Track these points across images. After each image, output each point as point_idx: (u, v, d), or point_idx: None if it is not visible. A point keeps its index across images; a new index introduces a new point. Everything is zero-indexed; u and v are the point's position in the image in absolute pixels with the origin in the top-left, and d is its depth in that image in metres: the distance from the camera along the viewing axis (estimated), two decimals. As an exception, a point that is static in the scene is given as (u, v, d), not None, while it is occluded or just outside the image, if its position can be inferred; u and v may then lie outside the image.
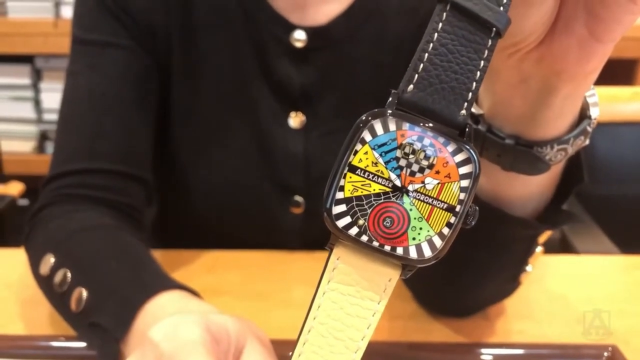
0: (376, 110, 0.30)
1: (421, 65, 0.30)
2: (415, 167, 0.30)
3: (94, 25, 0.72)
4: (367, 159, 0.30)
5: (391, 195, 0.30)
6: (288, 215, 0.77)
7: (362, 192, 0.30)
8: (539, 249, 0.56)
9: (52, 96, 2.15)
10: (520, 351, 0.60)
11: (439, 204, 0.30)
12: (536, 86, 0.43)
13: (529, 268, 0.58)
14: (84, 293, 0.56)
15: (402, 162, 0.30)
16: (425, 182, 0.30)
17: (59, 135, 0.72)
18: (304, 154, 0.75)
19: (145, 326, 0.51)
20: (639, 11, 0.36)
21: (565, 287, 0.72)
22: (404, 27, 0.73)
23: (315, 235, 0.77)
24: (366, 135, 0.30)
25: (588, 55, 0.39)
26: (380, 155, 0.30)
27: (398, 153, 0.30)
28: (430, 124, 0.30)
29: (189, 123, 0.76)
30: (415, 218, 0.30)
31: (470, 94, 0.30)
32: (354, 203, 0.30)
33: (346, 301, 0.32)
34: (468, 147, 0.30)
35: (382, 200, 0.30)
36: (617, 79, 1.16)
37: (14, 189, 1.48)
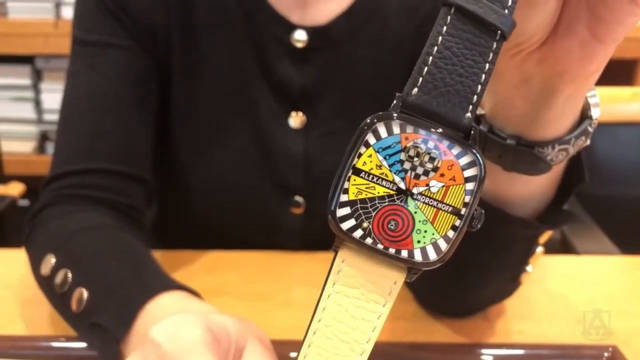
0: (380, 113, 0.30)
1: (425, 69, 0.30)
2: (419, 170, 0.30)
3: (94, 26, 0.72)
4: (371, 161, 0.30)
5: (395, 198, 0.30)
6: (288, 216, 0.77)
7: (366, 194, 0.30)
8: (539, 249, 0.56)
9: (53, 97, 2.15)
10: (520, 351, 0.60)
11: (444, 206, 0.30)
12: (538, 87, 0.43)
13: (529, 268, 0.58)
14: (85, 293, 0.56)
15: (407, 165, 0.30)
16: (430, 185, 0.30)
17: (59, 135, 0.72)
18: (304, 154, 0.75)
19: (145, 326, 0.51)
20: None
21: (565, 287, 0.72)
22: (404, 27, 0.73)
23: (315, 236, 0.77)
24: (370, 138, 0.30)
25: (590, 57, 0.40)
26: (385, 158, 0.30)
27: (402, 156, 0.30)
28: (435, 127, 0.30)
29: (189, 123, 0.76)
30: (420, 221, 0.30)
31: (475, 96, 0.30)
32: (359, 206, 0.30)
33: (351, 304, 0.32)
34: (473, 150, 0.30)
35: (386, 203, 0.30)
36: (617, 80, 1.16)
37: (15, 189, 1.48)
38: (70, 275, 0.58)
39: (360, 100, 0.75)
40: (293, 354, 0.55)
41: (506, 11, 0.31)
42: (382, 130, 0.30)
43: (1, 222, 1.40)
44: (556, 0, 0.37)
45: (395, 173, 0.30)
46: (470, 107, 0.30)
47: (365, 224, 0.31)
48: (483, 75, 0.30)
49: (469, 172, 0.30)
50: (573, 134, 0.46)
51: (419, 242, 0.31)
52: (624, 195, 1.23)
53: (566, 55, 0.40)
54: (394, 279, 0.32)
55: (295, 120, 0.75)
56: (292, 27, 0.72)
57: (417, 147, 0.30)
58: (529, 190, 0.51)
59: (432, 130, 0.30)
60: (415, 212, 0.30)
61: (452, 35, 0.30)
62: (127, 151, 0.71)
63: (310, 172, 0.76)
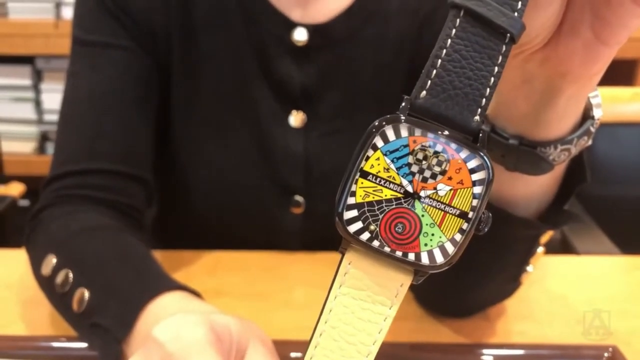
0: (388, 116, 0.30)
1: (434, 72, 0.30)
2: (427, 173, 0.30)
3: (94, 26, 0.72)
4: (378, 164, 0.30)
5: (403, 201, 0.30)
6: (288, 216, 0.78)
7: (373, 197, 0.30)
8: (540, 249, 0.56)
9: (53, 97, 2.15)
10: (520, 352, 0.60)
11: (451, 210, 0.30)
12: (540, 87, 0.43)
13: (529, 268, 0.58)
14: (86, 294, 0.56)
15: (414, 168, 0.30)
16: (438, 189, 0.30)
17: (59, 136, 0.72)
18: (305, 154, 0.75)
19: (147, 327, 0.51)
20: None
21: (565, 287, 0.72)
22: (405, 27, 0.73)
23: (315, 236, 0.77)
24: (378, 141, 0.30)
25: (593, 58, 0.40)
26: (392, 161, 0.30)
27: (410, 159, 0.30)
28: (443, 130, 0.30)
29: (189, 123, 0.76)
30: (427, 224, 0.30)
31: (484, 100, 0.30)
32: (366, 208, 0.31)
33: (358, 306, 0.32)
34: (481, 153, 0.30)
35: (393, 206, 0.30)
36: (618, 80, 1.16)
37: (15, 189, 1.48)
38: (71, 275, 0.58)
39: (360, 100, 0.75)
40: (294, 354, 0.55)
41: (515, 14, 0.31)
42: (389, 133, 0.30)
43: (1, 222, 1.40)
44: (560, 1, 0.37)
45: (402, 176, 0.30)
46: (479, 110, 0.30)
47: (372, 227, 0.31)
48: (492, 79, 0.30)
49: (476, 176, 0.30)
50: (575, 134, 0.47)
51: (426, 245, 0.31)
52: (624, 195, 1.24)
53: (569, 56, 0.40)
54: (401, 282, 0.32)
55: (296, 119, 0.75)
56: (293, 26, 0.72)
57: (425, 150, 0.30)
58: (531, 190, 0.52)
59: (440, 133, 0.30)
60: (423, 216, 0.30)
61: (461, 38, 0.30)
62: (127, 151, 0.71)
63: (311, 171, 0.76)
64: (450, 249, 0.31)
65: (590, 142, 0.48)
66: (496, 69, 0.30)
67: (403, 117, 0.30)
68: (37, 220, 0.67)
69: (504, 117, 0.47)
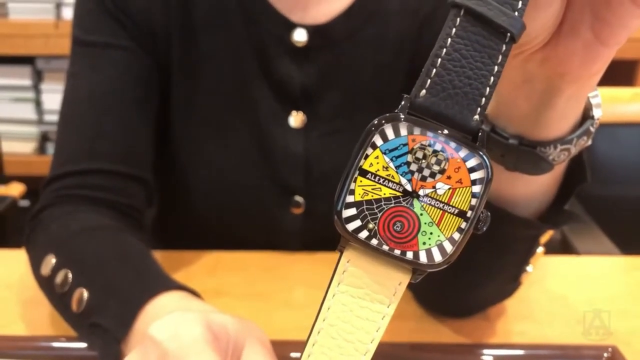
0: (388, 114, 0.30)
1: (434, 71, 0.30)
2: (426, 172, 0.30)
3: (94, 27, 0.72)
4: (377, 163, 0.30)
5: (402, 199, 0.30)
6: (288, 216, 0.78)
7: (372, 196, 0.31)
8: (540, 249, 0.56)
9: (53, 97, 2.15)
10: (520, 352, 0.60)
11: (450, 209, 0.30)
12: (540, 87, 0.43)
13: (529, 268, 0.58)
14: (85, 294, 0.56)
15: (413, 167, 0.30)
16: (437, 187, 0.30)
17: (59, 136, 0.72)
18: (305, 154, 0.75)
19: (146, 327, 0.50)
20: None
21: (565, 288, 0.72)
22: (405, 28, 0.73)
23: (315, 236, 0.77)
24: (377, 140, 0.30)
25: (593, 58, 0.40)
26: (391, 159, 0.30)
27: (409, 158, 0.30)
28: (442, 129, 0.30)
29: (189, 123, 0.76)
30: (425, 223, 0.30)
31: (484, 99, 0.30)
32: (364, 207, 0.31)
33: (356, 304, 0.32)
34: (480, 152, 0.30)
35: (392, 205, 0.30)
36: (618, 80, 1.16)
37: (15, 190, 1.48)
38: (70, 275, 0.58)
39: (360, 100, 0.75)
40: (294, 354, 0.55)
41: (516, 13, 0.31)
42: (389, 131, 0.30)
43: (2, 222, 1.40)
44: (560, 2, 0.37)
45: (401, 175, 0.30)
46: (479, 109, 0.30)
47: (370, 225, 0.31)
48: (492, 78, 0.30)
49: (475, 175, 0.30)
50: (575, 134, 0.47)
51: (424, 243, 0.31)
52: (624, 196, 1.24)
53: (569, 56, 0.40)
54: (399, 280, 0.32)
55: (296, 119, 0.75)
56: (292, 26, 0.72)
57: (424, 149, 0.30)
58: (531, 190, 0.52)
59: (440, 132, 0.30)
60: (421, 214, 0.30)
61: (461, 37, 0.30)
62: (127, 151, 0.71)
63: (311, 172, 0.76)
64: (448, 247, 0.31)
65: (590, 142, 0.48)
66: (496, 68, 0.30)
67: (402, 116, 0.30)
68: (37, 220, 0.67)
69: (504, 117, 0.47)
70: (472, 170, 0.30)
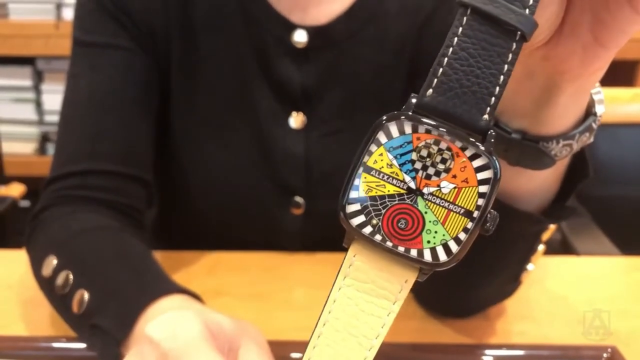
0: (394, 112, 0.30)
1: (440, 70, 0.30)
2: (431, 171, 0.30)
3: (94, 27, 0.72)
4: (382, 160, 0.30)
5: (406, 197, 0.30)
6: (288, 216, 0.78)
7: (376, 192, 0.31)
8: (541, 246, 0.56)
9: (54, 98, 2.15)
10: (520, 352, 0.60)
11: (455, 208, 0.30)
12: (541, 83, 0.43)
13: (530, 267, 0.58)
14: (86, 295, 0.56)
15: (418, 165, 0.30)
16: (441, 186, 0.30)
17: (60, 136, 0.72)
18: (305, 155, 0.75)
19: (146, 328, 0.51)
20: None
21: (565, 288, 0.72)
22: (405, 28, 0.73)
23: (315, 236, 0.77)
24: (381, 137, 0.30)
25: (592, 59, 0.40)
26: (395, 157, 0.30)
27: (414, 156, 0.30)
28: (448, 128, 0.30)
29: (189, 123, 0.76)
30: (430, 221, 0.30)
31: (493, 98, 0.30)
32: (369, 203, 0.31)
33: (361, 298, 0.32)
34: (487, 152, 0.30)
35: (396, 202, 0.31)
36: (618, 80, 1.16)
37: (15, 190, 1.49)
38: (71, 276, 0.58)
39: (361, 100, 0.75)
40: (294, 355, 0.55)
41: (527, 11, 0.30)
42: (393, 129, 0.30)
43: (2, 223, 1.41)
44: (558, 3, 0.37)
45: (405, 172, 0.30)
46: (488, 109, 0.30)
47: (374, 221, 0.31)
48: (501, 77, 0.30)
49: (482, 175, 0.30)
50: (577, 130, 0.47)
51: (428, 242, 0.31)
52: (624, 196, 1.24)
53: (568, 56, 0.40)
54: (405, 278, 0.32)
55: (296, 120, 0.75)
56: (293, 27, 0.72)
57: (428, 147, 0.30)
58: (533, 185, 0.52)
59: (445, 130, 0.30)
60: (426, 212, 0.30)
61: (468, 37, 0.30)
62: (128, 152, 0.71)
63: (311, 172, 0.76)
64: (453, 247, 0.31)
65: (592, 139, 0.48)
66: (506, 67, 0.30)
67: (408, 114, 0.30)
68: (37, 220, 0.67)
69: (506, 112, 0.47)
70: (478, 169, 0.30)
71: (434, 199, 0.30)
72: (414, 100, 0.30)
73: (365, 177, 0.31)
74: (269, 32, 0.72)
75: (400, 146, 0.30)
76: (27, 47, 2.07)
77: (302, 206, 0.77)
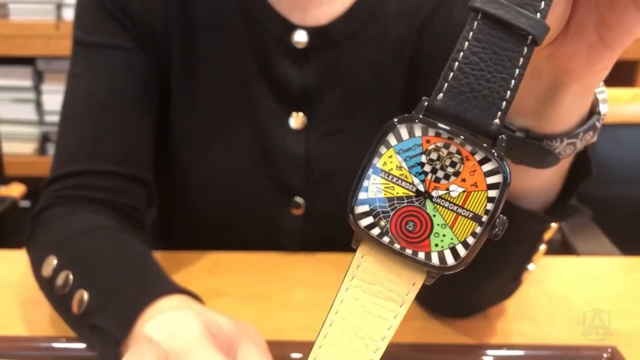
0: (405, 115, 0.30)
1: (451, 74, 0.30)
2: (440, 174, 0.30)
3: (94, 27, 0.72)
4: (391, 162, 0.31)
5: (414, 199, 0.31)
6: (288, 217, 0.78)
7: (385, 194, 0.31)
8: (542, 246, 0.56)
9: (54, 98, 2.15)
10: (520, 352, 0.60)
11: (464, 212, 0.30)
12: (546, 81, 0.44)
13: (531, 267, 0.58)
14: (86, 295, 0.56)
15: (427, 168, 0.30)
16: (450, 189, 0.30)
17: (60, 136, 0.72)
18: (305, 155, 0.75)
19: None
20: None
21: (565, 288, 0.72)
22: (405, 28, 0.73)
23: (315, 237, 0.77)
24: (391, 139, 0.30)
25: (597, 59, 0.40)
26: (405, 159, 0.30)
27: (423, 159, 0.30)
28: (458, 132, 0.30)
29: (189, 123, 0.76)
30: (438, 224, 0.30)
31: (504, 102, 0.30)
32: (377, 204, 0.31)
33: (368, 300, 0.32)
34: (497, 156, 0.30)
35: (405, 204, 0.31)
36: (618, 81, 1.16)
37: (16, 190, 1.49)
38: (71, 277, 0.58)
39: (361, 100, 0.75)
40: (294, 355, 0.55)
41: (538, 15, 0.30)
42: (403, 132, 0.30)
43: (2, 223, 1.41)
44: (565, 3, 0.37)
45: (414, 175, 0.30)
46: (499, 113, 0.30)
47: (382, 223, 0.31)
48: (513, 81, 0.30)
49: (492, 179, 0.30)
50: (581, 129, 0.47)
51: (436, 245, 0.31)
52: (624, 196, 1.23)
53: (574, 55, 0.41)
54: (412, 280, 0.32)
55: (296, 120, 0.75)
56: (293, 28, 0.72)
57: (438, 150, 0.30)
58: (537, 183, 0.52)
59: (455, 134, 0.30)
60: (434, 215, 0.30)
61: (478, 41, 0.30)
62: (128, 152, 0.71)
63: (311, 172, 0.76)
64: (461, 251, 0.31)
65: (595, 138, 0.49)
66: (517, 71, 0.30)
67: (419, 117, 0.30)
68: (37, 220, 0.67)
69: (511, 110, 0.47)
70: (488, 174, 0.30)
71: (442, 202, 0.30)
72: (425, 104, 0.30)
73: (374, 179, 0.31)
74: (269, 33, 0.72)
75: (410, 149, 0.30)
76: (27, 47, 2.07)
77: (302, 206, 0.77)
